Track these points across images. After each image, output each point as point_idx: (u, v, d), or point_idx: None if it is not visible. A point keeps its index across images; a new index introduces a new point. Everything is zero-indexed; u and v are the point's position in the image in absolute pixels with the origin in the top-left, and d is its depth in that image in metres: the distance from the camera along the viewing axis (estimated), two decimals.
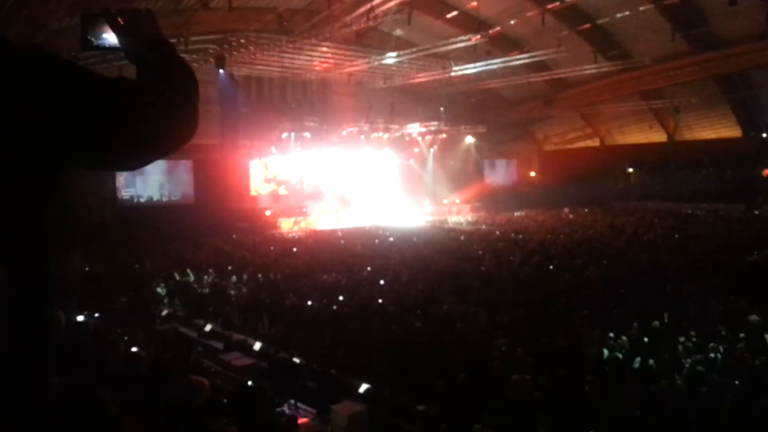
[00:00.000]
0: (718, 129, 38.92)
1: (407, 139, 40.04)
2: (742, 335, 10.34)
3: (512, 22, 28.87)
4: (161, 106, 1.24)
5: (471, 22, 28.94)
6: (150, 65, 1.36)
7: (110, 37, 1.45)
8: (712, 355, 9.53)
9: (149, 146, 1.25)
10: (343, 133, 36.17)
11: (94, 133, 1.13)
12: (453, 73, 32.43)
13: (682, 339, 10.43)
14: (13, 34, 16.48)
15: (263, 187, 36.26)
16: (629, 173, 43.88)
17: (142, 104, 1.21)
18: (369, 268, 18.58)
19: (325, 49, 28.76)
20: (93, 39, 1.46)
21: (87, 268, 19.53)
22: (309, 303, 14.27)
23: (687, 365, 9.21)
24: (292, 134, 34.33)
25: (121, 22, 1.43)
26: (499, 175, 47.22)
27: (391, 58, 30.01)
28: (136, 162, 1.30)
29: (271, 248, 24.39)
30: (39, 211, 1.14)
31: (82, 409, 2.60)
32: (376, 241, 25.55)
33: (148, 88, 1.28)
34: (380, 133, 38.06)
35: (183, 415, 4.74)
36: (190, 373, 8.03)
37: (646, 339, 10.55)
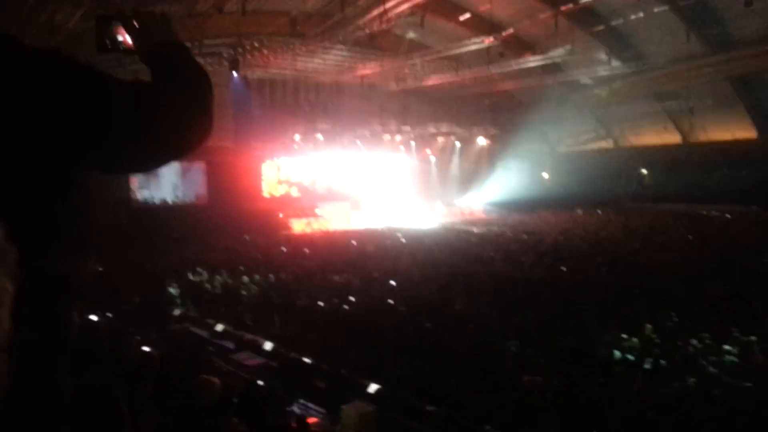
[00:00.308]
0: (733, 130, 38.51)
1: (420, 141, 40.04)
2: (753, 338, 10.22)
3: (525, 24, 28.85)
4: (176, 108, 1.25)
5: (484, 25, 28.92)
6: (165, 68, 1.37)
7: (125, 40, 1.47)
8: (725, 357, 9.43)
9: (164, 149, 1.25)
10: (357, 137, 36.27)
11: (111, 136, 1.14)
12: (466, 76, 32.39)
13: (694, 341, 10.33)
14: (30, 37, 16.68)
15: (276, 188, 36.40)
16: (643, 174, 43.57)
17: (158, 107, 1.22)
18: (380, 269, 18.58)
19: (338, 52, 28.86)
20: (108, 42, 1.48)
21: (101, 269, 19.70)
22: (320, 303, 14.30)
23: (701, 368, 9.11)
24: (305, 136, 34.49)
25: (137, 25, 1.45)
26: (512, 176, 46.97)
27: (403, 61, 30.05)
28: (151, 165, 1.29)
29: (283, 249, 24.46)
30: (56, 213, 1.15)
31: (96, 408, 2.64)
32: (388, 242, 25.54)
33: (163, 90, 1.28)
34: (393, 135, 38.10)
35: (194, 414, 4.78)
36: (201, 373, 8.10)
37: (658, 340, 10.46)
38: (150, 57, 1.41)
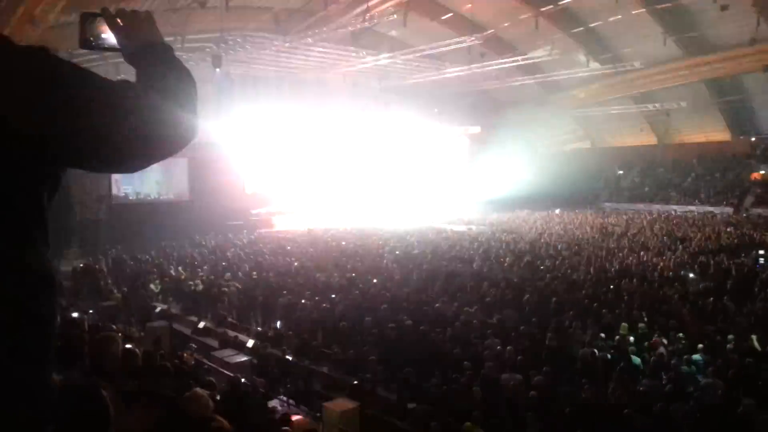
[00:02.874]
0: (708, 132, 39.25)
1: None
2: (730, 336, 10.47)
3: (506, 24, 29.12)
4: (161, 109, 1.26)
5: (465, 25, 29.13)
6: (149, 67, 1.38)
7: (109, 38, 1.47)
8: (699, 356, 9.64)
9: (149, 149, 1.25)
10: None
11: (96, 136, 1.14)
12: (447, 75, 32.59)
13: (665, 341, 10.55)
14: (9, 30, 16.46)
15: (259, 185, 36.20)
16: (619, 175, 44.18)
17: (143, 107, 1.22)
18: (361, 267, 18.65)
19: (321, 49, 28.86)
20: (92, 39, 1.47)
21: (82, 264, 19.53)
22: (302, 301, 14.34)
23: (674, 366, 9.30)
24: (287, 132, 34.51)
25: (120, 23, 1.45)
26: (490, 175, 47.20)
27: (386, 59, 30.13)
28: (136, 165, 1.28)
29: (267, 245, 24.41)
30: (42, 210, 1.16)
31: (82, 406, 2.63)
32: (370, 240, 25.60)
33: (147, 90, 1.29)
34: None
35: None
36: (183, 371, 8.11)
37: (634, 339, 10.66)
38: (134, 57, 1.42)
